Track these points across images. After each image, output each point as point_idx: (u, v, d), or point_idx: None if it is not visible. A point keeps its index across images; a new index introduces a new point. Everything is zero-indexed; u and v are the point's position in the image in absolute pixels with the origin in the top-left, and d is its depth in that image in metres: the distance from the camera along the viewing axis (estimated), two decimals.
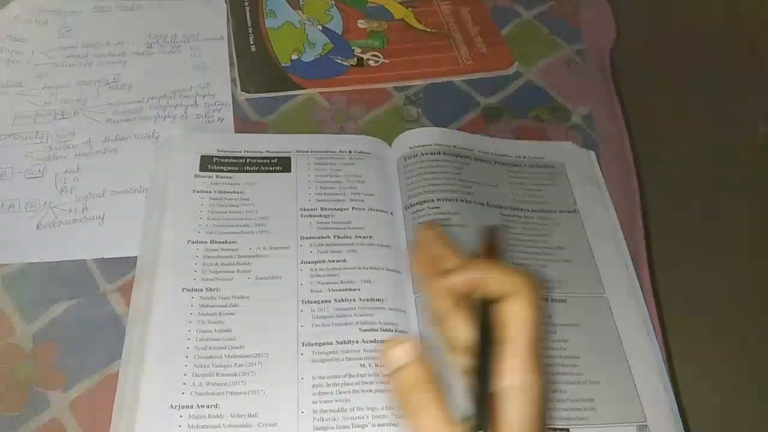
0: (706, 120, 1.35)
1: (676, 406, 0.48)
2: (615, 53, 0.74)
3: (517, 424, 0.30)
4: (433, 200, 0.54)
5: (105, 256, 0.52)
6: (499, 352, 0.32)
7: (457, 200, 0.54)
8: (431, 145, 0.57)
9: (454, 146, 0.58)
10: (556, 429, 0.45)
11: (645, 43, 1.27)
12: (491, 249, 0.39)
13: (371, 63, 0.66)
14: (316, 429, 0.44)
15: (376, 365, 0.46)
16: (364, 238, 0.53)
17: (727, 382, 1.09)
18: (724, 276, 1.17)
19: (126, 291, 0.50)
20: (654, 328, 0.51)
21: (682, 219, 1.21)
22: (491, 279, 0.33)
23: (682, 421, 0.47)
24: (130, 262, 0.51)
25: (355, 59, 0.66)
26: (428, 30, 0.70)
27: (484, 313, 0.33)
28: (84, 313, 0.49)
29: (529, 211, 0.56)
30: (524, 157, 0.59)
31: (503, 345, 0.32)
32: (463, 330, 0.34)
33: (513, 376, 0.31)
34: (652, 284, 0.55)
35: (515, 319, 0.32)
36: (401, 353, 0.32)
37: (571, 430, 0.45)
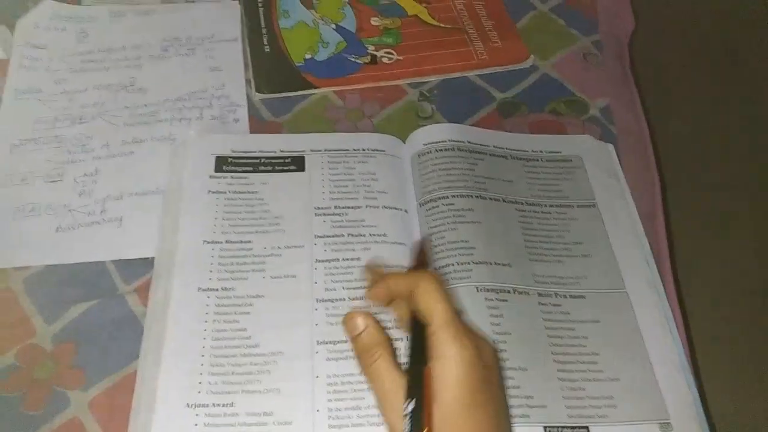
0: (728, 111, 1.32)
1: (700, 403, 0.46)
2: (634, 44, 0.72)
3: (452, 390, 0.34)
4: (447, 197, 0.53)
5: (123, 258, 0.52)
6: (426, 336, 0.37)
7: (471, 196, 0.54)
8: (445, 141, 0.57)
9: (468, 142, 0.57)
10: (575, 427, 0.44)
11: (665, 33, 1.24)
12: (421, 259, 0.46)
13: (385, 60, 0.66)
14: (331, 427, 0.44)
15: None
16: (378, 236, 0.52)
17: (753, 378, 1.06)
18: (748, 270, 1.14)
19: (144, 291, 0.50)
20: (676, 324, 0.50)
21: (704, 211, 1.18)
22: (392, 285, 0.40)
23: (707, 419, 0.46)
24: (147, 263, 0.52)
25: (369, 57, 0.66)
26: (442, 25, 0.69)
27: (413, 314, 0.39)
28: (103, 314, 0.50)
29: (546, 206, 0.55)
30: (541, 151, 0.58)
31: (428, 329, 0.37)
32: (404, 317, 0.41)
33: (439, 352, 0.35)
34: (674, 279, 0.54)
35: (425, 307, 0.37)
36: (360, 321, 0.39)
37: (590, 428, 0.45)
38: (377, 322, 0.39)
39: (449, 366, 0.35)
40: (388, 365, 0.37)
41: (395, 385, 0.36)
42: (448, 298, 0.37)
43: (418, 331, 0.38)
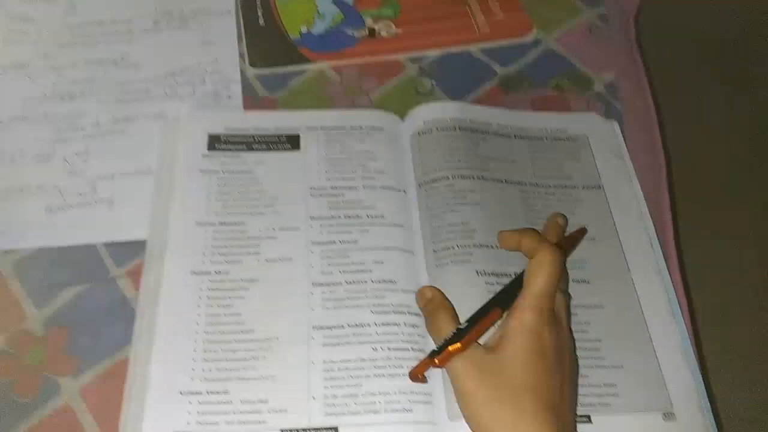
0: (737, 89, 1.29)
1: (705, 393, 0.46)
2: (640, 17, 0.70)
3: (513, 344, 0.39)
4: (447, 177, 0.52)
5: (114, 240, 0.51)
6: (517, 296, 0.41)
7: (473, 177, 0.52)
8: (446, 119, 0.55)
9: (470, 120, 0.55)
10: (576, 416, 0.44)
11: (672, 6, 1.20)
12: (568, 240, 0.48)
13: (383, 34, 0.64)
14: (328, 414, 0.43)
15: (389, 348, 0.45)
16: (376, 217, 0.51)
17: (761, 368, 1.04)
18: (755, 255, 1.11)
19: (136, 275, 0.49)
20: (681, 310, 0.49)
21: (710, 193, 1.15)
22: (524, 240, 0.44)
23: (712, 410, 0.45)
24: (139, 246, 0.50)
25: (367, 30, 0.64)
26: None
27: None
28: (94, 298, 0.48)
29: (550, 187, 0.53)
30: (546, 129, 0.56)
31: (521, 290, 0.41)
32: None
33: (516, 314, 0.40)
34: (679, 264, 0.52)
35: (531, 273, 0.41)
36: (428, 291, 0.46)
37: (592, 417, 0.44)
38: (443, 294, 0.45)
39: (515, 325, 0.39)
40: (449, 320, 0.42)
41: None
42: (554, 277, 0.40)
43: (514, 285, 0.42)
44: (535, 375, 0.38)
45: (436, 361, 0.39)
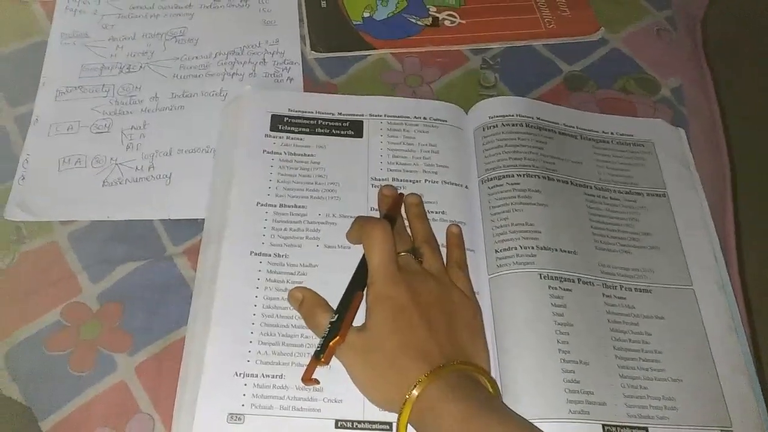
0: None
1: (766, 411, 0.44)
2: (707, 22, 0.68)
3: (374, 328, 0.41)
4: (512, 176, 0.51)
5: (172, 217, 0.51)
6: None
7: (539, 177, 0.51)
8: (513, 115, 0.54)
9: (538, 118, 0.54)
10: (634, 427, 0.43)
11: (739, 10, 1.16)
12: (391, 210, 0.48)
13: (447, 23, 0.63)
14: (383, 409, 0.42)
15: None
16: (437, 213, 0.50)
17: None
18: None
19: (193, 254, 0.49)
20: (743, 326, 0.48)
21: None
22: (355, 230, 0.47)
23: None
24: (197, 225, 0.50)
25: (430, 19, 0.63)
26: None
27: None
28: (150, 275, 0.48)
29: (615, 192, 0.52)
30: (612, 133, 0.55)
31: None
32: None
33: (368, 289, 0.43)
34: (741, 278, 0.51)
35: (366, 251, 0.44)
36: (298, 293, 0.45)
37: (650, 429, 0.43)
38: (312, 291, 0.45)
39: (369, 300, 0.43)
40: (326, 315, 0.43)
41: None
42: (384, 243, 0.43)
43: (363, 265, 0.44)
44: (398, 335, 0.41)
45: (322, 359, 0.41)
